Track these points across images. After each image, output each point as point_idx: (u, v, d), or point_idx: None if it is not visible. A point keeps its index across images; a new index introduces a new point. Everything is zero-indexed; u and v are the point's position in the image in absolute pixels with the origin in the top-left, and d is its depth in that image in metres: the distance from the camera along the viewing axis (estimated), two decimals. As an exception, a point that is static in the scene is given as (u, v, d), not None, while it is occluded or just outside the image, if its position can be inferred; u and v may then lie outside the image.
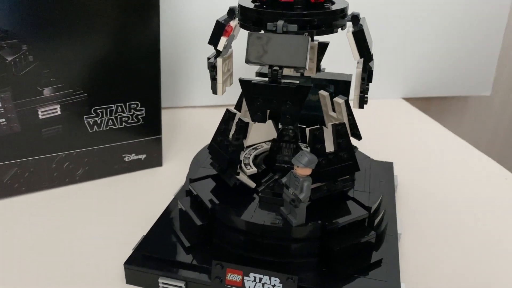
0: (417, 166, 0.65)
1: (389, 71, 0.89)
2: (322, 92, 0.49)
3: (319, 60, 0.49)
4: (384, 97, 0.90)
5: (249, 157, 0.50)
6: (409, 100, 0.93)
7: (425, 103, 0.95)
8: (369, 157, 0.54)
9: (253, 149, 0.52)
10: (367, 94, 0.42)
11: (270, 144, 0.52)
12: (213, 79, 0.44)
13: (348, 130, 0.44)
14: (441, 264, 0.46)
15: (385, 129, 0.78)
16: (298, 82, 0.37)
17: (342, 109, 0.46)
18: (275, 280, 0.38)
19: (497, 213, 0.55)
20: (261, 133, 0.54)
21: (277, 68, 0.37)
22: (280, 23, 0.36)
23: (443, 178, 0.63)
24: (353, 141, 0.47)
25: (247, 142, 0.50)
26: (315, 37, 0.46)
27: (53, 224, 0.51)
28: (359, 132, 0.49)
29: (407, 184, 0.60)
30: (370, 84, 0.41)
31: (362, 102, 0.42)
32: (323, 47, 0.48)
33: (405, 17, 0.86)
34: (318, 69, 0.50)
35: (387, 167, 0.60)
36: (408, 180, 0.61)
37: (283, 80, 0.37)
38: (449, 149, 0.72)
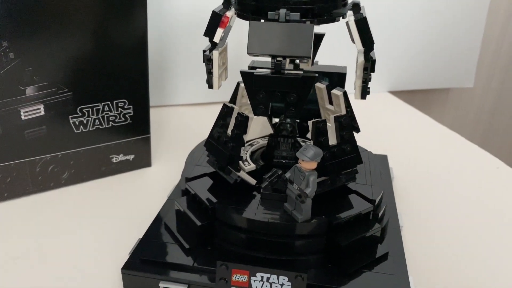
0: (409, 158, 0.65)
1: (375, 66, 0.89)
2: (318, 84, 0.48)
3: (314, 52, 0.48)
4: (371, 91, 0.90)
5: (246, 154, 0.48)
6: (394, 93, 0.93)
7: (410, 96, 0.96)
8: (366, 150, 0.53)
9: (249, 145, 0.51)
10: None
11: (266, 139, 0.50)
12: (209, 72, 0.42)
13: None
14: (444, 255, 0.46)
15: (374, 122, 0.78)
16: (302, 72, 0.36)
17: (341, 101, 0.45)
18: (283, 279, 0.37)
19: (493, 201, 0.55)
20: (256, 129, 0.53)
21: (281, 58, 0.35)
22: (283, 11, 0.35)
23: (436, 169, 0.63)
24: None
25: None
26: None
27: (40, 232, 0.48)
28: (357, 125, 0.48)
29: (401, 175, 0.60)
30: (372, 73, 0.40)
31: (365, 92, 0.41)
32: (319, 38, 0.46)
33: (388, 13, 0.86)
34: (312, 61, 0.49)
35: (382, 159, 0.59)
36: (401, 171, 0.61)
37: (286, 71, 0.36)
38: (440, 141, 0.73)
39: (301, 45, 0.34)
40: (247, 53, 0.35)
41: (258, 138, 0.52)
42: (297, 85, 0.36)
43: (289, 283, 0.37)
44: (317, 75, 0.36)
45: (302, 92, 0.36)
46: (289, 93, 0.36)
